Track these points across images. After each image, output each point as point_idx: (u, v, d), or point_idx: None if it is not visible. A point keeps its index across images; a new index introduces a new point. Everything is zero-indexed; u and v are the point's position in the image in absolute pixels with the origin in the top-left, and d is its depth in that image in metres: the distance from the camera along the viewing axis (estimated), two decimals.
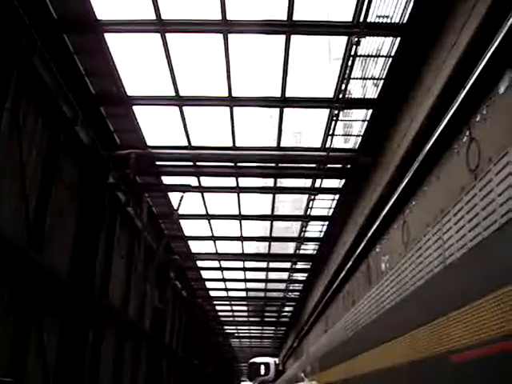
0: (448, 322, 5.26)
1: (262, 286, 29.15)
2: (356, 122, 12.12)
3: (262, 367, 48.97)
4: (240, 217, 18.29)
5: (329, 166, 13.43)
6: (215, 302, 32.83)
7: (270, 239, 21.24)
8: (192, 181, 15.05)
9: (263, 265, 24.80)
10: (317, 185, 14.52)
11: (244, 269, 25.08)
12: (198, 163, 14.10)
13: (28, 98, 8.98)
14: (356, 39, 9.30)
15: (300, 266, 23.60)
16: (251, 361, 51.20)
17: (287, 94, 11.43)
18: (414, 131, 8.88)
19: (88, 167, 11.89)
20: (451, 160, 7.53)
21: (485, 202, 4.25)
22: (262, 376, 48.65)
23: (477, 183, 4.36)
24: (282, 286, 27.90)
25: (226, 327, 42.87)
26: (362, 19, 9.06)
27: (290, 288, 27.92)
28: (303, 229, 18.61)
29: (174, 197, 16.25)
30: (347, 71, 10.11)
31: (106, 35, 9.87)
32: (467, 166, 6.82)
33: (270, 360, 50.34)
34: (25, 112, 8.88)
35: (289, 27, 9.67)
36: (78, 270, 11.23)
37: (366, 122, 11.76)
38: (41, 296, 9.47)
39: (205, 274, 26.61)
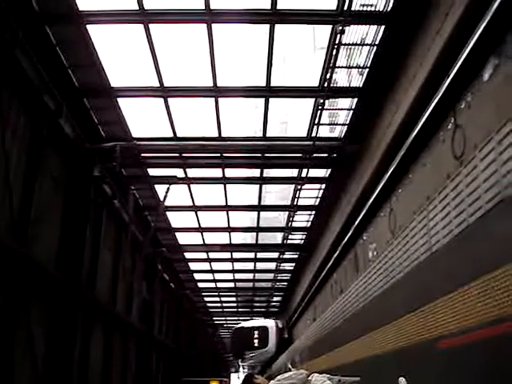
0: (435, 309, 5.29)
1: (250, 276, 29.15)
2: (342, 110, 12.10)
3: (256, 334, 31.46)
4: (227, 208, 18.26)
5: (315, 155, 13.41)
6: (204, 294, 32.82)
7: (258, 230, 21.22)
8: (178, 172, 15.00)
9: (251, 255, 24.80)
10: (303, 174, 14.51)
11: (232, 260, 25.06)
12: (183, 154, 14.04)
13: (10, 91, 8.90)
14: (340, 28, 9.27)
15: (288, 255, 23.63)
16: (238, 326, 34.20)
17: (272, 84, 11.38)
18: (399, 119, 8.89)
19: (73, 160, 11.82)
20: (437, 147, 7.55)
21: (470, 189, 4.25)
22: (255, 348, 31.59)
23: (462, 170, 4.37)
24: (271, 275, 27.93)
25: (215, 318, 42.84)
26: (346, 8, 9.03)
27: (279, 278, 27.96)
28: (290, 219, 18.61)
29: (160, 189, 16.18)
30: (332, 60, 10.07)
31: (89, 26, 9.76)
32: (453, 153, 6.83)
33: (269, 323, 32.19)
34: (7, 105, 8.80)
35: (273, 16, 9.63)
36: (65, 263, 11.19)
37: (352, 111, 11.74)
38: (27, 289, 9.42)
39: (193, 266, 26.57)
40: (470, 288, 4.26)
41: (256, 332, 31.23)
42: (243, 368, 40.48)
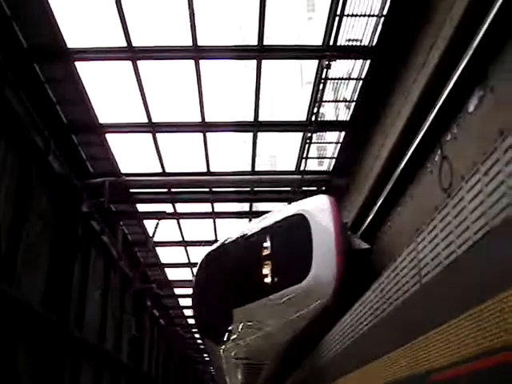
0: (427, 342, 5.25)
1: None
2: (329, 144, 12.18)
3: (270, 247, 10.09)
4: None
5: (304, 188, 13.44)
6: (194, 330, 32.47)
7: None
8: (167, 207, 14.97)
9: None
10: None
11: None
12: (172, 190, 14.03)
13: None
14: (326, 63, 9.39)
15: None
16: (226, 238, 11.97)
17: (260, 118, 11.45)
18: (386, 152, 8.93)
19: (61, 196, 11.78)
20: (425, 179, 7.58)
21: (458, 220, 4.26)
22: (267, 290, 9.68)
23: (449, 201, 4.38)
24: None
25: (205, 354, 42.30)
26: (331, 43, 9.15)
27: None
28: None
29: (149, 224, 16.13)
30: (319, 94, 10.18)
31: (77, 63, 9.82)
32: (440, 185, 6.86)
33: (311, 205, 10.07)
34: None
35: (259, 52, 9.73)
36: (53, 302, 11.06)
37: (340, 144, 11.82)
38: (14, 329, 9.28)
39: (183, 302, 26.33)
40: (461, 320, 4.24)
41: (273, 239, 10.28)
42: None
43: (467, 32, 5.98)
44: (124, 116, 11.83)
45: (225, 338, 11.22)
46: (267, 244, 10.23)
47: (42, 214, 10.91)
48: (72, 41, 9.44)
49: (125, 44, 9.41)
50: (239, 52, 10.49)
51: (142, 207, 15.22)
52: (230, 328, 10.86)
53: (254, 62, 10.01)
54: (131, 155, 13.80)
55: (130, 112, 11.79)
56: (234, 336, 10.95)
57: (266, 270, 9.97)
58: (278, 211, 11.13)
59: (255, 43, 9.63)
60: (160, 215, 15.08)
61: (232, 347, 11.40)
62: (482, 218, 3.98)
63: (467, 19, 5.99)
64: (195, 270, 13.68)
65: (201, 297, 12.81)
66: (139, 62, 9.88)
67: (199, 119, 11.32)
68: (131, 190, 13.76)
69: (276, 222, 10.33)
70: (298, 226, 9.64)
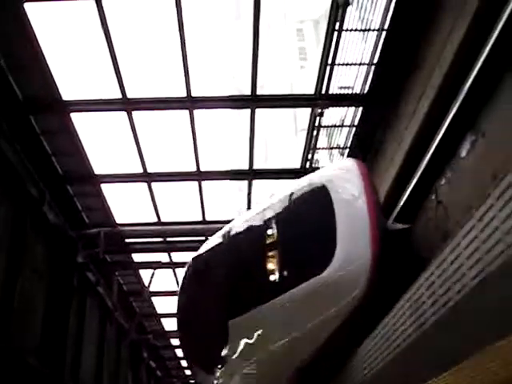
0: None
1: None
2: None
3: (286, 233, 7.13)
4: None
5: None
6: (192, 382, 31.91)
7: None
8: (163, 257, 14.89)
9: None
10: None
11: None
12: (168, 239, 13.98)
13: None
14: (319, 111, 9.50)
15: None
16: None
17: (255, 166, 11.50)
18: (381, 199, 8.94)
19: (56, 247, 11.73)
20: (420, 225, 7.56)
21: (454, 267, 4.23)
22: (273, 289, 6.89)
23: (445, 247, 4.36)
24: None
25: None
26: (324, 91, 9.27)
27: None
28: None
29: (145, 274, 16.02)
30: (313, 141, 10.26)
31: (72, 115, 9.90)
32: (436, 231, 6.84)
33: (333, 175, 7.27)
34: None
35: (253, 102, 9.83)
36: (47, 355, 10.88)
37: None
38: (7, 383, 9.10)
39: (180, 353, 25.92)
40: (459, 368, 4.18)
41: (282, 222, 7.31)
42: None
43: (456, 79, 6.07)
44: (119, 166, 11.91)
45: (219, 364, 7.93)
46: (273, 230, 7.32)
47: (37, 265, 10.84)
48: (67, 92, 9.56)
49: (120, 95, 9.51)
50: (233, 102, 10.59)
51: (137, 257, 15.13)
52: (225, 348, 7.71)
53: (248, 110, 10.11)
54: (126, 205, 13.81)
55: (125, 162, 11.86)
56: (232, 359, 7.64)
57: (273, 264, 7.03)
58: (288, 186, 8.21)
59: (249, 92, 9.75)
60: (156, 265, 15.00)
61: (228, 375, 7.89)
62: (479, 263, 3.97)
63: (456, 67, 6.09)
64: (180, 279, 10.56)
65: (187, 312, 9.12)
66: (134, 113, 9.96)
67: (194, 168, 11.36)
68: (126, 240, 13.71)
69: (285, 200, 7.54)
70: (317, 200, 7.08)
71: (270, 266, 7.04)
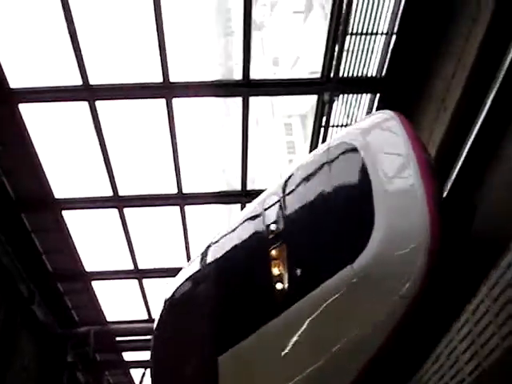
0: None
1: None
2: None
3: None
4: None
5: None
6: None
7: None
8: None
9: None
10: None
11: None
12: None
13: None
14: None
15: None
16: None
17: None
18: None
19: (45, 346, 11.52)
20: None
21: (451, 361, 4.18)
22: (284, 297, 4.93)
23: (441, 342, 4.32)
24: None
25: None
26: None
27: None
28: None
29: (135, 373, 15.58)
30: None
31: (64, 212, 9.94)
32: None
33: (367, 132, 5.29)
34: None
35: (243, 197, 9.92)
36: None
37: None
38: None
39: None
40: None
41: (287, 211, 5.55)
42: None
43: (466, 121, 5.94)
44: (110, 263, 11.82)
45: None
46: (279, 219, 5.47)
47: (27, 363, 10.62)
48: (59, 191, 9.63)
49: (111, 193, 9.59)
50: (223, 197, 10.69)
51: (128, 355, 14.76)
52: None
53: (239, 205, 10.19)
54: (117, 302, 13.62)
55: (116, 259, 11.80)
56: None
57: (280, 265, 5.17)
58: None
59: (239, 187, 9.86)
60: (147, 364, 14.61)
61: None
62: (474, 359, 3.91)
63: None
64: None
65: (164, 361, 7.21)
66: (125, 210, 10.02)
67: (186, 263, 11.31)
68: (117, 338, 13.43)
69: (305, 171, 5.62)
70: (345, 169, 5.22)
71: (276, 268, 5.19)
